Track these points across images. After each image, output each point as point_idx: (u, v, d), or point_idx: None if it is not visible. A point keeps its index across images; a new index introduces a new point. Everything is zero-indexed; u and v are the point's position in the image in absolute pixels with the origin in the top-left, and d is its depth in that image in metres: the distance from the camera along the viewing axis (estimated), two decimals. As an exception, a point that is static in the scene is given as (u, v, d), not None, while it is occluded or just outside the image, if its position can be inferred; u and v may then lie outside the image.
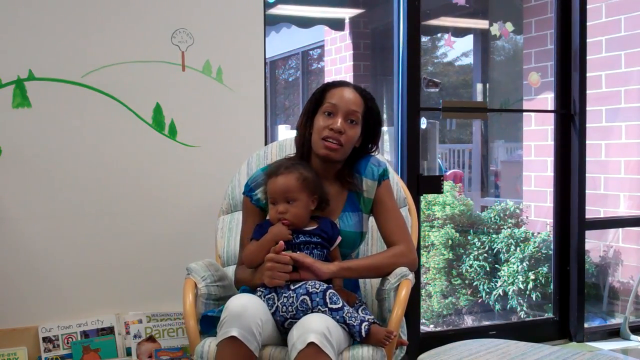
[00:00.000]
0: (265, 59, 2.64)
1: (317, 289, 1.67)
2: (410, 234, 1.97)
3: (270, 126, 6.48)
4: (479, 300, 3.93)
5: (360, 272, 1.85)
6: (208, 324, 1.80)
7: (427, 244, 3.99)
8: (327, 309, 1.64)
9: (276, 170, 1.82)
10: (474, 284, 3.93)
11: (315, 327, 1.55)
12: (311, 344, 1.53)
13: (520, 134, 4.38)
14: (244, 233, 1.92)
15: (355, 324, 1.65)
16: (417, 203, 2.88)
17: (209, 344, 1.71)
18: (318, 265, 1.72)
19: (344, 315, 1.65)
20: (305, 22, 5.72)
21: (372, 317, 1.75)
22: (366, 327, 1.66)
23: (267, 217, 1.87)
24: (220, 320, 1.62)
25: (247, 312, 1.59)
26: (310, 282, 1.69)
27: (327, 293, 1.67)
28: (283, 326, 1.69)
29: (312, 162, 1.91)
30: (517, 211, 4.16)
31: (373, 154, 1.99)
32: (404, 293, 1.80)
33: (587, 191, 3.29)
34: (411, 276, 1.87)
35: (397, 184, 2.22)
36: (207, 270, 1.93)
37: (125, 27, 2.43)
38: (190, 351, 1.78)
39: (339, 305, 1.66)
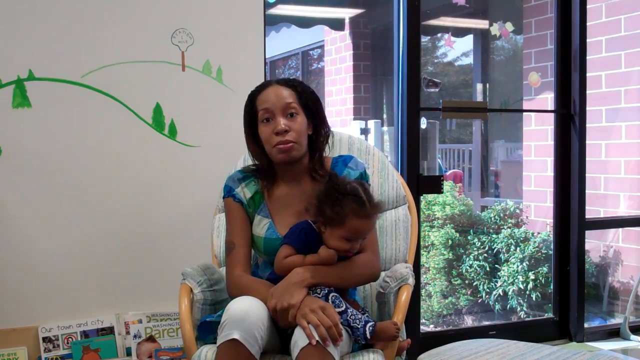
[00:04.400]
0: (265, 59, 2.64)
1: (319, 293, 1.66)
2: (377, 242, 1.89)
3: (270, 126, 6.47)
4: (479, 300, 3.93)
5: (333, 284, 1.73)
6: (206, 330, 1.76)
7: (427, 244, 3.99)
8: None
9: (364, 208, 1.68)
10: (474, 284, 3.93)
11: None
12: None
13: (520, 134, 4.38)
14: (232, 235, 1.84)
15: (359, 327, 1.64)
16: (417, 203, 2.88)
17: (206, 352, 1.66)
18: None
19: (348, 318, 1.64)
20: (305, 22, 5.72)
21: (374, 321, 1.74)
22: (371, 327, 1.65)
23: (312, 221, 1.75)
24: (220, 323, 1.59)
25: (249, 315, 1.56)
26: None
27: (330, 297, 1.65)
28: (285, 332, 1.66)
29: (277, 172, 1.87)
30: (517, 211, 4.16)
31: (329, 146, 1.91)
32: (405, 298, 1.79)
33: (587, 191, 3.29)
34: (411, 280, 1.86)
35: (397, 182, 2.22)
36: (202, 275, 1.91)
37: (125, 27, 2.43)
38: (187, 358, 1.75)
39: (343, 308, 1.65)
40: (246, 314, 1.55)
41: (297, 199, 1.83)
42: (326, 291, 1.67)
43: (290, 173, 1.86)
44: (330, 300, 1.64)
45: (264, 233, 1.83)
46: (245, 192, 1.87)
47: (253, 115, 1.85)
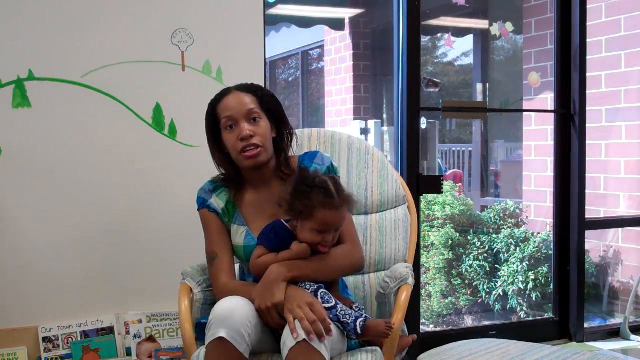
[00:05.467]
0: (265, 59, 2.64)
1: (308, 289, 1.67)
2: (356, 232, 1.88)
3: (270, 126, 6.46)
4: (479, 300, 3.93)
5: (312, 277, 1.72)
6: (203, 331, 1.74)
7: (427, 244, 3.99)
8: None
9: (332, 200, 1.69)
10: (474, 284, 3.93)
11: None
12: (302, 341, 1.51)
13: (520, 134, 4.38)
14: (213, 245, 1.85)
15: (349, 322, 1.64)
16: (417, 203, 2.88)
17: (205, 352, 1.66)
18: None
19: (338, 313, 1.64)
20: (305, 22, 5.73)
21: (367, 315, 1.73)
22: (361, 323, 1.65)
23: (285, 221, 1.76)
24: (207, 323, 1.59)
25: (234, 314, 1.56)
26: (300, 283, 1.69)
27: (319, 293, 1.66)
28: (278, 332, 1.65)
29: (246, 178, 1.88)
30: (517, 211, 4.16)
31: (292, 143, 1.92)
32: (404, 297, 1.80)
33: (587, 191, 3.29)
34: (411, 280, 1.86)
35: (397, 182, 2.22)
36: (202, 275, 1.91)
37: (125, 27, 2.43)
38: (187, 358, 1.76)
39: (332, 304, 1.65)
40: (231, 312, 1.56)
41: (269, 203, 1.84)
42: (315, 287, 1.67)
43: (259, 177, 1.86)
44: (319, 297, 1.65)
45: (242, 241, 1.84)
46: (218, 202, 1.89)
47: (216, 123, 1.85)
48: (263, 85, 2.60)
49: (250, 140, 1.77)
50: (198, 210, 1.91)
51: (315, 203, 1.68)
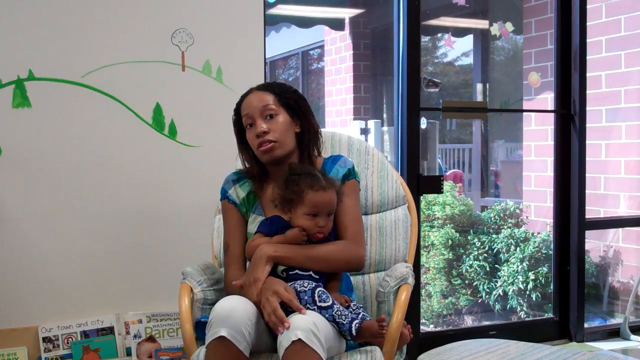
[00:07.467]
0: (265, 59, 2.64)
1: (306, 287, 1.67)
2: (362, 232, 1.89)
3: (270, 126, 6.45)
4: (479, 300, 3.93)
5: (299, 262, 1.75)
6: (203, 330, 1.75)
7: (427, 244, 3.99)
8: (316, 307, 1.64)
9: (319, 182, 1.77)
10: (474, 284, 3.93)
11: (301, 324, 1.54)
12: (297, 340, 1.51)
13: (520, 134, 4.38)
14: (227, 236, 1.91)
15: (345, 322, 1.65)
16: (417, 203, 2.88)
17: (205, 352, 1.66)
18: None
19: (334, 313, 1.65)
20: (305, 22, 5.73)
21: (365, 314, 1.73)
22: (357, 325, 1.65)
23: (288, 218, 1.81)
24: (207, 323, 1.61)
25: (234, 312, 1.57)
26: (299, 281, 1.70)
27: (316, 291, 1.66)
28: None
29: (269, 173, 1.93)
30: (517, 211, 4.16)
31: (322, 144, 1.98)
32: (404, 297, 1.79)
33: (587, 191, 3.29)
34: (410, 280, 1.86)
35: (397, 182, 2.22)
36: (203, 274, 1.92)
37: (125, 27, 2.43)
38: (187, 358, 1.76)
39: (329, 303, 1.65)
40: (232, 311, 1.58)
41: None
42: (313, 286, 1.68)
43: (282, 173, 1.89)
44: (316, 295, 1.65)
45: (255, 229, 1.88)
46: (238, 192, 1.93)
47: (240, 124, 1.93)
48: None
49: (265, 137, 1.83)
50: (220, 200, 1.97)
51: (303, 186, 1.76)
